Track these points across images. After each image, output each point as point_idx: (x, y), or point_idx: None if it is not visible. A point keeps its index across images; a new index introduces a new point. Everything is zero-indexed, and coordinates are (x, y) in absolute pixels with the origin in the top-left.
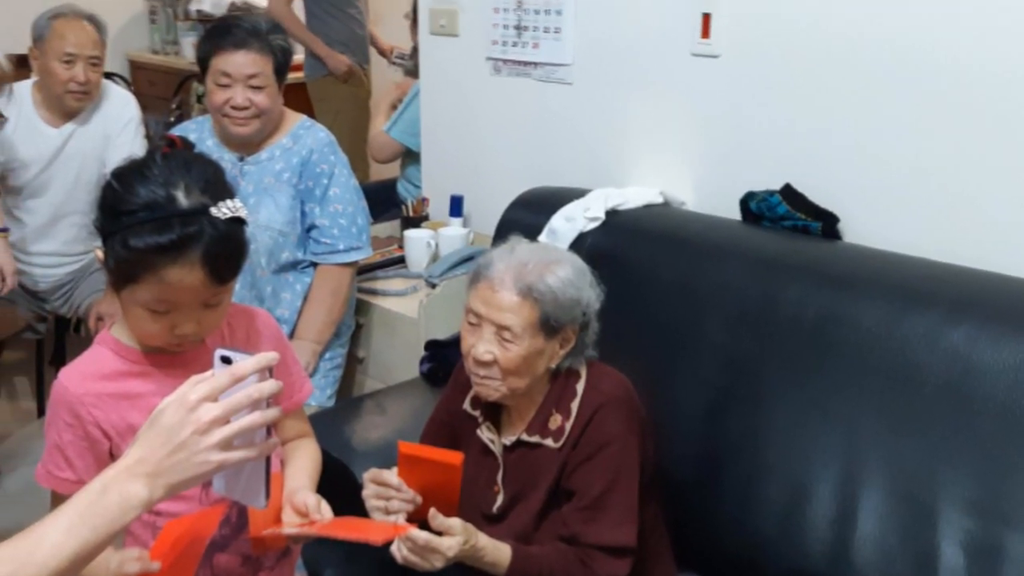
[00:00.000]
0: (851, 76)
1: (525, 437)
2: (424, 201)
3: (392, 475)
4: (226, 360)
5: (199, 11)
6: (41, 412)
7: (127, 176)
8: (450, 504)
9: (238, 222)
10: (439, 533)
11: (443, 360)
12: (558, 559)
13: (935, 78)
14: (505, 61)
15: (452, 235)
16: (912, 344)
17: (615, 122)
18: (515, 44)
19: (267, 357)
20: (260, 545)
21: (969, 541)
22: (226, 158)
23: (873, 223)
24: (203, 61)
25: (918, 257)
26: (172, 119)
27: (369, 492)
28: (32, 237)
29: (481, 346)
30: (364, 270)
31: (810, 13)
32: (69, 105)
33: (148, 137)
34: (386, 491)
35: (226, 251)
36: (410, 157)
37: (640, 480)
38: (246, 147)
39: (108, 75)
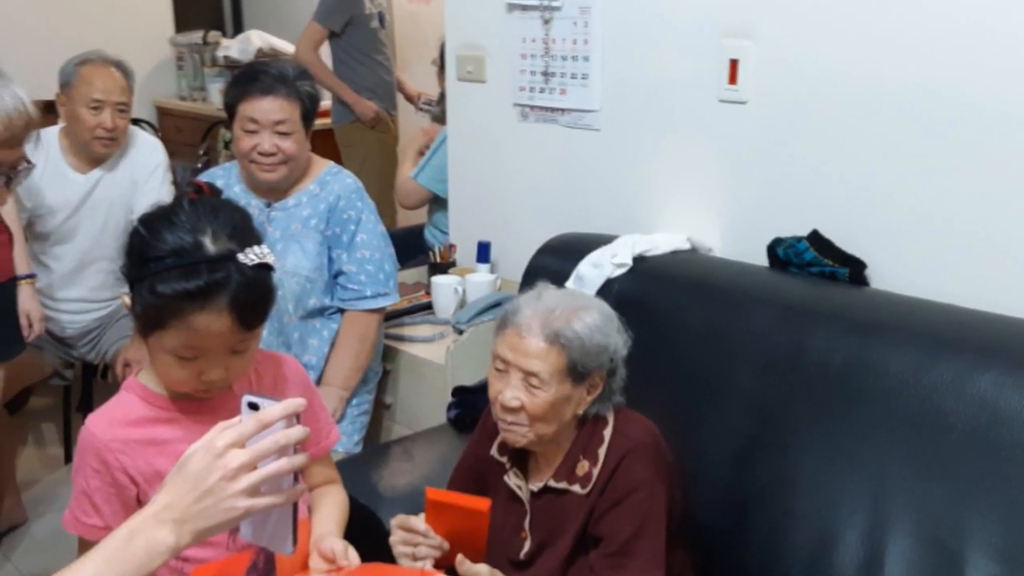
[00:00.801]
0: (878, 122)
1: (552, 483)
2: (451, 247)
3: (420, 521)
4: (253, 406)
5: (226, 57)
6: (68, 458)
7: (154, 222)
8: (477, 550)
9: (265, 268)
10: None
11: (470, 406)
12: None
13: (962, 124)
14: (532, 107)
15: (479, 281)
16: (939, 390)
17: (642, 168)
18: (542, 90)
19: (294, 403)
20: None
21: None
22: (253, 204)
23: (900, 269)
24: (230, 107)
25: (945, 303)
26: (199, 165)
27: (396, 538)
28: (59, 283)
29: (508, 392)
30: (391, 316)
31: (838, 59)
32: (96, 151)
33: (175, 183)
34: (414, 537)
35: (253, 297)
36: (437, 203)
37: (667, 526)
38: (273, 193)
39: (135, 121)
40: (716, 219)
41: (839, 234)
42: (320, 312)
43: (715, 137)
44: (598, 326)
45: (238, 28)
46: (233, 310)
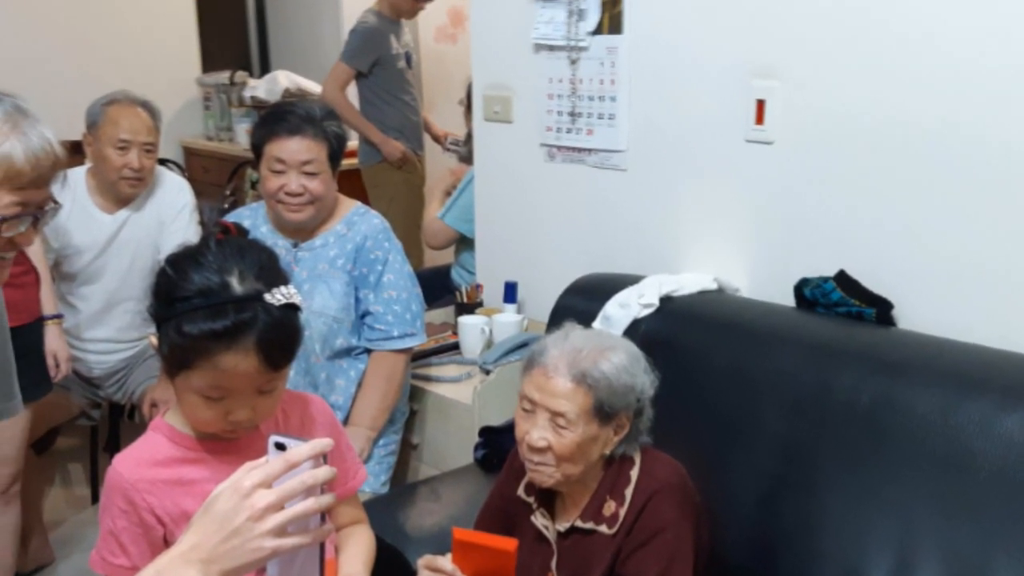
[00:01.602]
0: (905, 162)
1: (579, 523)
2: (478, 287)
3: (446, 561)
4: (280, 446)
5: (253, 97)
6: (95, 498)
7: (181, 262)
8: None
9: (292, 308)
10: None
11: (497, 446)
12: None
13: (989, 164)
14: (559, 147)
15: (506, 321)
16: (966, 430)
17: (669, 208)
18: (569, 130)
19: (321, 443)
20: None
21: None
22: (280, 244)
23: (927, 309)
24: (257, 147)
25: (972, 343)
26: (226, 205)
27: None
28: (86, 324)
29: (535, 432)
30: (418, 356)
31: (864, 100)
32: (123, 191)
33: (202, 223)
34: None
35: (280, 337)
36: (464, 243)
37: (694, 567)
38: (300, 233)
39: (162, 161)
40: (743, 259)
41: (866, 274)
42: (347, 352)
43: (742, 177)
44: (625, 366)
45: (265, 68)
46: (260, 350)
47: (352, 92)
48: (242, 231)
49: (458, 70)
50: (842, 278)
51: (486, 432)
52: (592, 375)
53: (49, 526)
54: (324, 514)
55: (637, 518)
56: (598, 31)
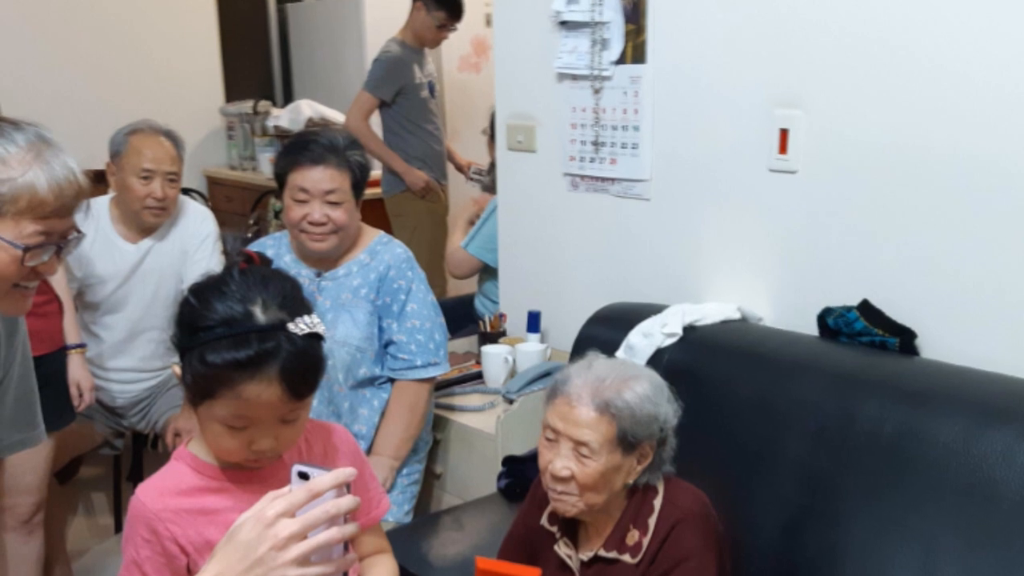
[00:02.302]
0: (928, 192)
1: (602, 553)
2: (501, 317)
3: None
4: (303, 476)
5: (276, 127)
6: (118, 528)
7: (204, 292)
8: None
9: (315, 338)
10: None
11: (521, 476)
12: None
13: (1012, 193)
14: (583, 177)
15: (529, 351)
16: (989, 460)
17: (692, 237)
18: (592, 160)
19: (344, 473)
20: None
21: None
22: (303, 274)
23: (950, 339)
24: (280, 177)
25: (995, 373)
26: (249, 235)
27: None
28: (109, 353)
29: (559, 462)
30: (442, 386)
31: (888, 129)
32: (146, 221)
33: (225, 253)
34: None
35: (303, 367)
36: (488, 273)
37: None
38: (323, 263)
39: (185, 191)
40: (766, 288)
41: (889, 304)
42: (370, 382)
43: (765, 207)
44: (648, 396)
45: (288, 97)
46: (283, 380)
47: (375, 121)
48: (265, 260)
49: (481, 99)
50: (865, 307)
51: (509, 461)
52: (615, 404)
53: (72, 555)
54: (347, 543)
55: (660, 547)
56: (621, 60)
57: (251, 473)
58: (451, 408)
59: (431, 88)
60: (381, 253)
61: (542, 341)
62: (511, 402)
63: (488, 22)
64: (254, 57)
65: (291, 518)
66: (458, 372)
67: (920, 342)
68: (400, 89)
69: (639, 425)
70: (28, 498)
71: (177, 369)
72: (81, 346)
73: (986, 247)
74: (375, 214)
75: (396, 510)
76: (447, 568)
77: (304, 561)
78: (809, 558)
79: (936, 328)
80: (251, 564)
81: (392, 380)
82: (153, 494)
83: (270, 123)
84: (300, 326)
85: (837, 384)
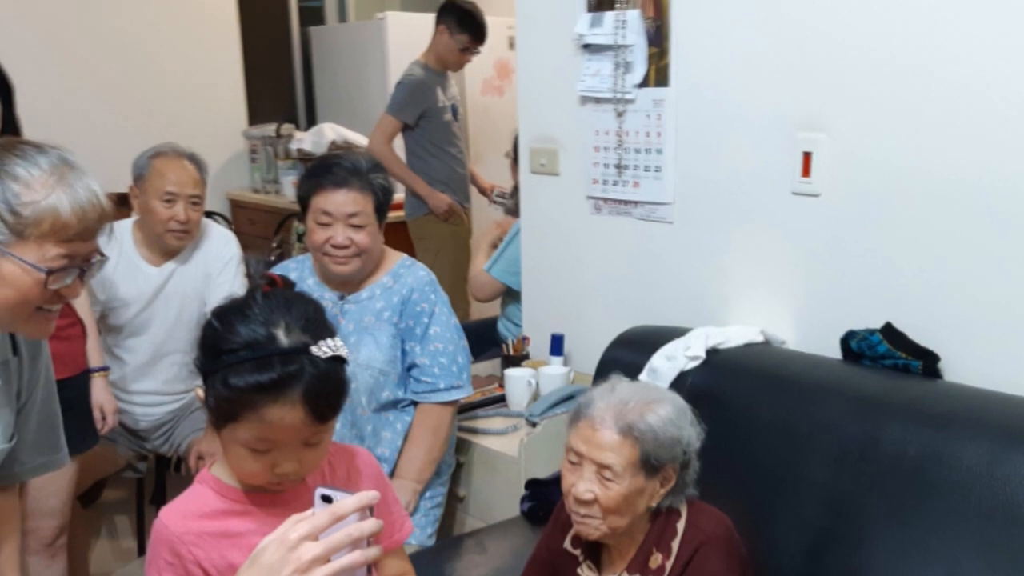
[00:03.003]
0: (952, 214)
1: None
2: (525, 340)
3: None
4: (327, 499)
5: (299, 150)
6: (142, 551)
7: (227, 315)
8: None
9: (339, 361)
10: None
11: (544, 499)
12: None
13: None
14: (606, 200)
15: (553, 374)
16: (1013, 483)
17: (715, 260)
18: (615, 183)
19: (367, 496)
20: None
21: None
22: (326, 297)
23: (974, 362)
24: (303, 200)
25: (1018, 396)
26: (272, 258)
27: None
28: (132, 376)
29: (582, 485)
30: (465, 409)
31: (911, 152)
32: (169, 244)
33: (248, 276)
34: None
35: (327, 390)
36: (511, 296)
37: None
38: (346, 286)
39: (208, 214)
40: (789, 312)
41: (912, 327)
42: (393, 405)
43: (788, 230)
44: (671, 419)
45: (311, 121)
46: (306, 403)
47: (399, 145)
48: (288, 283)
49: (504, 122)
50: (888, 330)
51: (532, 484)
52: (638, 427)
53: None
54: (370, 567)
55: (684, 571)
56: (644, 84)
57: (274, 496)
58: (474, 431)
59: (454, 111)
60: (404, 276)
61: (565, 364)
62: (534, 425)
63: (511, 45)
64: (277, 80)
65: (314, 541)
66: (481, 395)
67: (943, 365)
68: (423, 112)
69: (662, 448)
70: (51, 521)
71: (200, 392)
72: (104, 369)
73: (1009, 270)
74: (398, 237)
75: (419, 533)
76: None
77: None
78: None
79: (959, 351)
80: None
81: (415, 403)
82: (176, 517)
83: (293, 146)
84: (323, 349)
85: (860, 407)
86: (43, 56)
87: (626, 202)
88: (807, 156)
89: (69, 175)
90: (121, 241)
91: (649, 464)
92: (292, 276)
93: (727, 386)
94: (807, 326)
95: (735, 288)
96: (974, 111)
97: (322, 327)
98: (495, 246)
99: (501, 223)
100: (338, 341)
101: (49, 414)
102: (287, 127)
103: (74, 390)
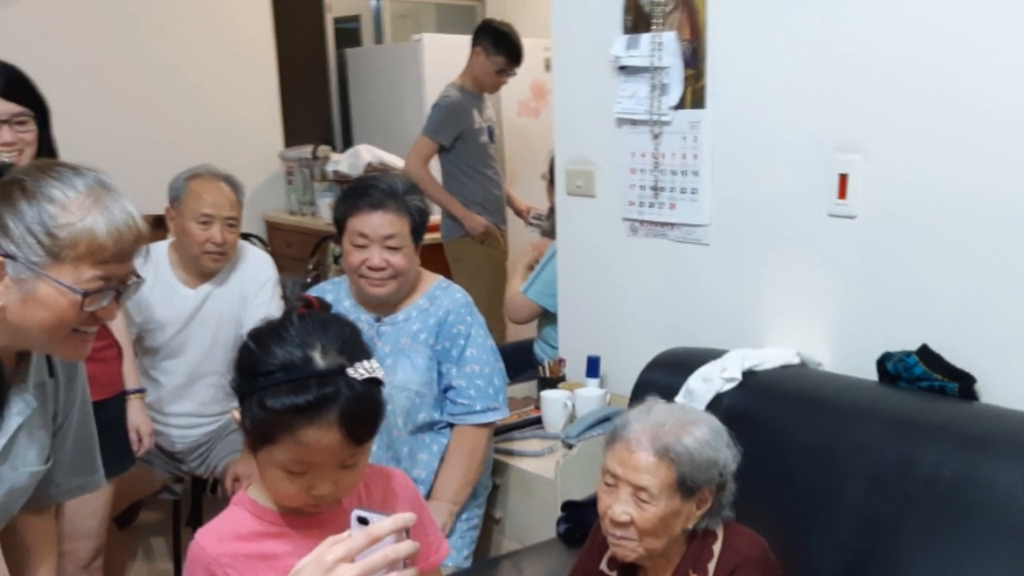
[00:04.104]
0: (988, 236)
1: None
2: (561, 362)
3: None
4: (363, 521)
5: (336, 172)
6: (178, 573)
7: (264, 337)
8: None
9: (375, 383)
10: None
11: (580, 521)
12: None
13: None
14: (642, 222)
15: (589, 396)
16: None
17: (752, 282)
18: (652, 205)
19: (404, 518)
20: None
21: None
22: (363, 319)
23: (1010, 383)
24: (340, 222)
25: None
26: (309, 280)
27: None
28: (169, 398)
29: (618, 507)
30: (501, 431)
31: (947, 174)
32: (206, 266)
33: (285, 298)
34: None
35: (363, 412)
36: (547, 318)
37: None
38: (383, 308)
39: (245, 236)
40: (825, 333)
41: (949, 348)
42: (430, 427)
43: (824, 252)
44: (708, 440)
45: (347, 142)
46: (343, 425)
47: (435, 166)
48: (325, 305)
49: (541, 144)
50: (925, 352)
51: (569, 506)
52: (675, 449)
53: None
54: None
55: None
56: (680, 105)
57: (310, 518)
58: (510, 453)
59: (490, 133)
60: (440, 298)
61: (601, 386)
62: (570, 447)
63: (547, 67)
64: (313, 102)
65: (350, 563)
66: (517, 417)
67: (979, 387)
68: (459, 134)
69: (698, 470)
70: (88, 543)
71: (236, 414)
72: (140, 391)
73: None
74: (435, 259)
75: (455, 555)
76: None
77: None
78: None
79: (995, 373)
80: None
81: (451, 425)
82: (213, 539)
83: (329, 168)
84: (359, 371)
85: (896, 429)
86: (80, 79)
87: (662, 224)
88: (843, 178)
89: (105, 197)
90: (157, 263)
91: (685, 486)
92: (328, 298)
93: (763, 408)
94: (843, 348)
95: (771, 310)
96: (1011, 134)
97: (358, 349)
98: (531, 268)
99: (537, 245)
100: (374, 363)
101: (85, 436)
102: (323, 149)
103: (110, 412)
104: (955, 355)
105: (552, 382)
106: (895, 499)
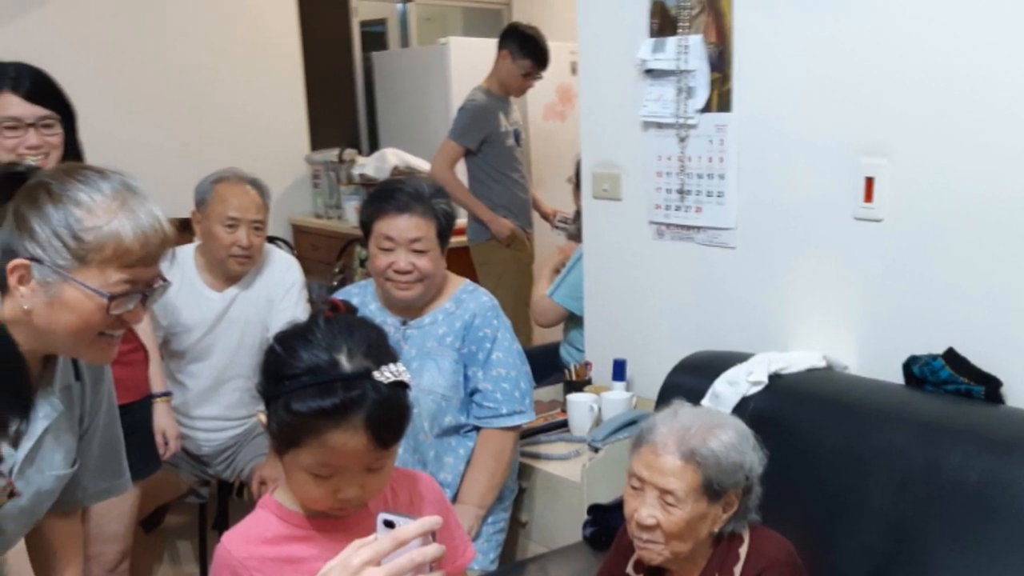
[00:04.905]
0: (1014, 240)
1: None
2: (587, 365)
3: None
4: (389, 524)
5: (362, 175)
6: None
7: (290, 340)
8: None
9: (401, 386)
10: None
11: (606, 524)
12: None
13: None
14: (668, 225)
15: (615, 399)
16: None
17: (778, 286)
18: (678, 208)
19: (430, 521)
20: None
21: None
22: (389, 322)
23: None
24: (366, 225)
25: None
26: (335, 283)
27: None
28: (195, 401)
29: (644, 510)
30: (527, 434)
31: (974, 177)
32: (232, 269)
33: (311, 301)
34: None
35: (389, 415)
36: (573, 321)
37: None
38: (409, 311)
39: (271, 239)
40: (851, 337)
41: (975, 352)
42: (456, 430)
43: (851, 255)
44: (734, 444)
45: (374, 146)
46: (369, 428)
47: (461, 170)
48: (351, 309)
49: (567, 148)
50: (951, 356)
51: (595, 510)
52: (701, 453)
53: None
54: None
55: None
56: (707, 109)
57: (336, 521)
58: (536, 456)
59: (517, 136)
60: (466, 301)
61: (628, 389)
62: (596, 450)
63: (574, 70)
64: (340, 105)
65: (376, 567)
66: (543, 420)
67: (1005, 390)
68: (485, 137)
69: (724, 473)
70: (114, 546)
71: (262, 417)
72: (167, 394)
73: None
74: (460, 262)
75: (481, 558)
76: None
77: None
78: None
79: (1022, 376)
80: None
81: (477, 428)
82: (239, 542)
83: (355, 171)
84: (386, 374)
85: (922, 432)
86: (107, 83)
87: (688, 227)
88: (869, 181)
89: (131, 200)
90: (183, 266)
91: (711, 489)
92: (354, 301)
93: (789, 411)
94: (869, 351)
95: (797, 313)
96: None
97: (384, 352)
98: (557, 271)
99: (563, 248)
100: (400, 366)
101: (111, 439)
102: (349, 152)
103: (136, 415)
104: (981, 358)
105: (578, 385)
106: (921, 503)
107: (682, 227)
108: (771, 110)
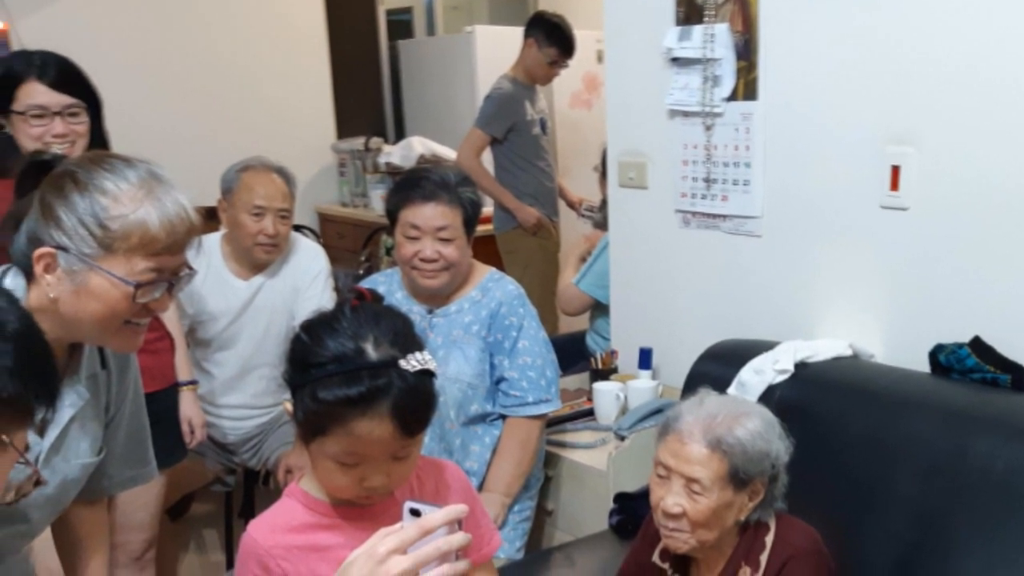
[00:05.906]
0: None
1: None
2: (613, 354)
3: None
4: (415, 512)
5: (388, 164)
6: (230, 564)
7: (316, 329)
8: None
9: (427, 375)
10: None
11: (632, 512)
12: None
13: None
14: (694, 213)
15: (641, 388)
16: None
17: (804, 274)
18: (704, 196)
19: (456, 510)
20: None
21: None
22: (415, 310)
23: None
24: (392, 213)
25: None
26: (361, 271)
27: None
28: (221, 390)
29: (670, 499)
30: (553, 422)
31: (1000, 166)
32: (258, 257)
33: (337, 290)
34: None
35: (415, 404)
36: (599, 309)
37: None
38: (435, 299)
39: (297, 227)
40: (877, 325)
41: (1001, 340)
42: (482, 418)
43: (877, 243)
44: (760, 432)
45: (400, 134)
46: (395, 416)
47: (487, 158)
48: (377, 297)
49: (593, 136)
50: (977, 344)
51: (621, 498)
52: (727, 441)
53: None
54: None
55: None
56: (733, 97)
57: (362, 510)
58: (562, 445)
59: (543, 125)
60: (492, 290)
61: (654, 378)
62: (623, 439)
63: (600, 59)
64: (366, 94)
65: (403, 555)
66: (569, 409)
67: None
68: (512, 126)
69: (751, 462)
70: (140, 535)
71: (289, 406)
72: (193, 383)
73: None
74: (487, 251)
75: (507, 547)
76: None
77: None
78: None
79: None
80: None
81: (504, 417)
82: (265, 531)
83: (382, 160)
84: (412, 363)
85: (948, 421)
86: (133, 71)
87: (714, 216)
88: (895, 170)
89: (158, 189)
90: (210, 255)
91: (738, 478)
92: (380, 290)
93: (815, 400)
94: (895, 340)
95: (823, 302)
96: None
97: (411, 341)
98: (583, 260)
99: (589, 236)
100: (426, 355)
101: (137, 428)
102: (376, 141)
103: (162, 404)
104: (1007, 347)
105: (604, 374)
106: (947, 491)
107: (708, 215)
108: (797, 98)
